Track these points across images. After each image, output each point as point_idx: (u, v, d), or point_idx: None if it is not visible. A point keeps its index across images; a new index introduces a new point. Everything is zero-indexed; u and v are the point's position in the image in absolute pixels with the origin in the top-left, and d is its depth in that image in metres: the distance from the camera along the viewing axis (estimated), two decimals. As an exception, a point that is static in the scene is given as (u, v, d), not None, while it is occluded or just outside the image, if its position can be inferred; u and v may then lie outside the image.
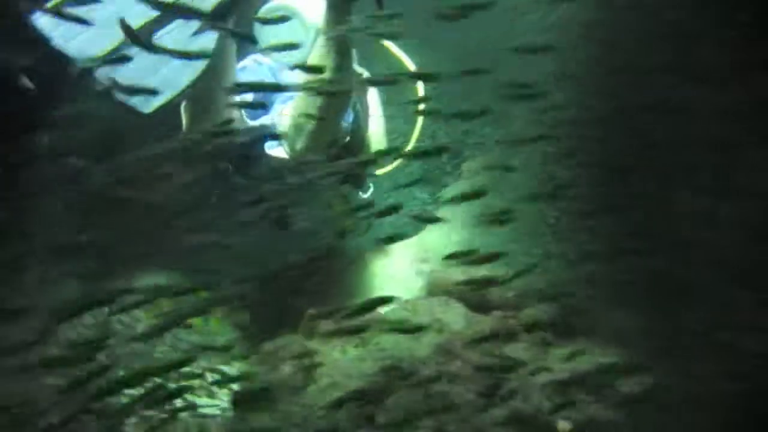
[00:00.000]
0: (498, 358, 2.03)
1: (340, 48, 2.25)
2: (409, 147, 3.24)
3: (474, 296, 2.55)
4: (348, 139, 2.78)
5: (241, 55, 2.74)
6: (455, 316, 2.36)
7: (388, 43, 3.13)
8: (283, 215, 2.62)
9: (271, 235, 2.70)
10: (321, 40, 2.26)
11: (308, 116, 2.34)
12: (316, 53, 2.29)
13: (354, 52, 3.14)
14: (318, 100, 2.31)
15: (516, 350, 2.15)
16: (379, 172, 3.24)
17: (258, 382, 2.03)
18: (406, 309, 2.48)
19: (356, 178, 3.02)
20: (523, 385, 1.95)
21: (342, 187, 2.99)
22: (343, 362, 2.16)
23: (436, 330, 2.28)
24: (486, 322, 2.30)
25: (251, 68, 2.72)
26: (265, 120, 2.60)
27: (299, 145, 2.44)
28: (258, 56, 2.78)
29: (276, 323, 2.89)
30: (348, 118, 2.67)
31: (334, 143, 2.58)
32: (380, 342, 2.28)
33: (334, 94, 2.32)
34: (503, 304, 2.51)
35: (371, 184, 3.15)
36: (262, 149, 2.53)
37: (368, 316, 2.34)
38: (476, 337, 2.12)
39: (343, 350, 2.28)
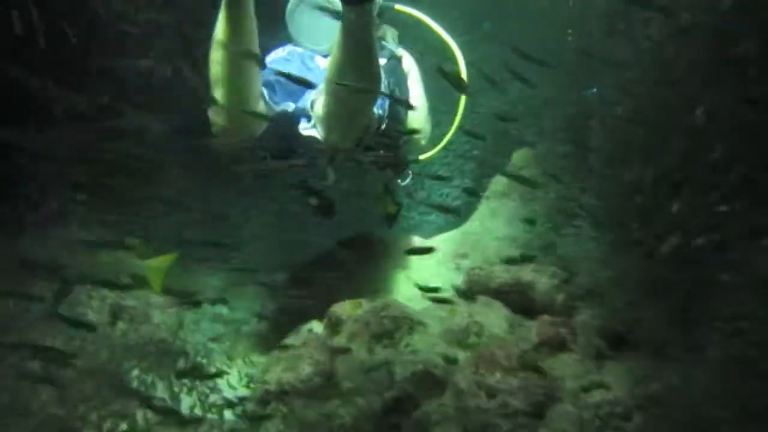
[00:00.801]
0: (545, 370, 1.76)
1: (363, 35, 2.08)
2: (451, 132, 3.02)
3: (518, 297, 2.30)
4: (385, 124, 2.60)
5: (273, 44, 2.64)
6: (496, 318, 2.10)
7: (430, 22, 2.94)
8: (328, 203, 2.54)
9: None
10: (340, 37, 2.08)
11: (339, 103, 2.21)
12: (336, 51, 2.13)
13: (395, 34, 2.98)
14: (347, 94, 2.18)
15: (566, 362, 1.88)
16: (422, 157, 3.04)
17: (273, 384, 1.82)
18: (442, 308, 2.25)
19: (395, 165, 2.83)
20: (573, 404, 1.68)
21: (384, 174, 2.84)
22: (369, 364, 1.94)
23: (475, 333, 2.04)
24: (531, 328, 2.03)
25: (282, 57, 2.58)
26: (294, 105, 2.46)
27: (332, 133, 2.30)
28: (288, 45, 2.66)
29: (303, 313, 2.75)
30: (384, 104, 2.49)
31: (368, 129, 2.42)
32: (412, 343, 2.05)
33: (363, 82, 2.16)
34: (551, 308, 2.24)
35: (410, 172, 2.95)
36: (296, 132, 2.38)
37: (398, 313, 2.14)
38: (520, 345, 1.86)
39: (369, 350, 2.07)
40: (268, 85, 2.39)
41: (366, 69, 2.14)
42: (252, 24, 2.14)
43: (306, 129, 2.38)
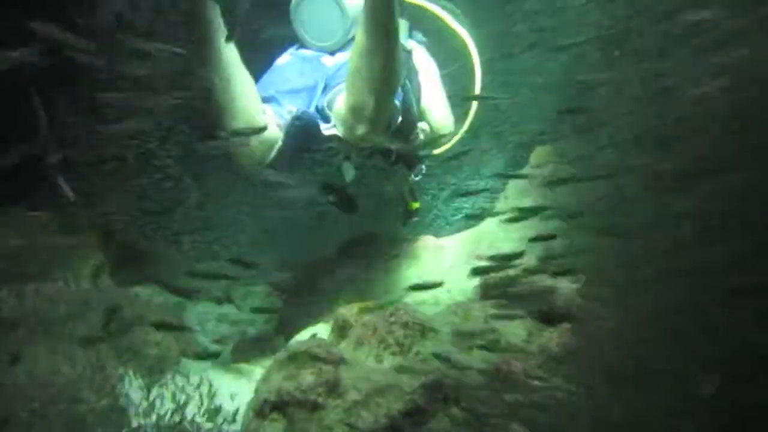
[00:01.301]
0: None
1: (387, 28, 2.07)
2: (466, 125, 2.90)
3: (537, 303, 2.15)
4: (400, 117, 2.51)
5: (278, 45, 2.58)
6: (515, 326, 1.96)
7: (443, 15, 2.84)
8: (351, 198, 2.51)
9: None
10: (363, 22, 2.06)
11: (365, 95, 2.18)
12: (360, 37, 2.10)
13: (406, 26, 2.87)
14: (373, 83, 2.15)
15: (591, 375, 1.73)
16: (436, 151, 2.92)
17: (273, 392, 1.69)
18: (456, 313, 2.11)
19: (408, 160, 2.72)
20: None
21: (397, 169, 2.76)
22: (376, 373, 1.81)
23: (491, 342, 1.89)
24: (553, 337, 1.88)
25: (291, 62, 2.52)
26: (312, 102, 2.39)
27: (359, 128, 2.25)
28: (291, 48, 2.59)
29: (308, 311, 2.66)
30: (399, 96, 2.40)
31: (391, 122, 2.37)
32: (422, 351, 1.92)
33: (386, 77, 2.16)
34: (574, 315, 2.09)
35: (423, 166, 2.83)
36: (318, 132, 2.34)
37: (409, 317, 2.01)
38: (541, 356, 1.71)
39: (377, 358, 1.94)
40: (270, 100, 2.33)
41: (390, 55, 2.10)
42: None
43: (327, 128, 2.31)
